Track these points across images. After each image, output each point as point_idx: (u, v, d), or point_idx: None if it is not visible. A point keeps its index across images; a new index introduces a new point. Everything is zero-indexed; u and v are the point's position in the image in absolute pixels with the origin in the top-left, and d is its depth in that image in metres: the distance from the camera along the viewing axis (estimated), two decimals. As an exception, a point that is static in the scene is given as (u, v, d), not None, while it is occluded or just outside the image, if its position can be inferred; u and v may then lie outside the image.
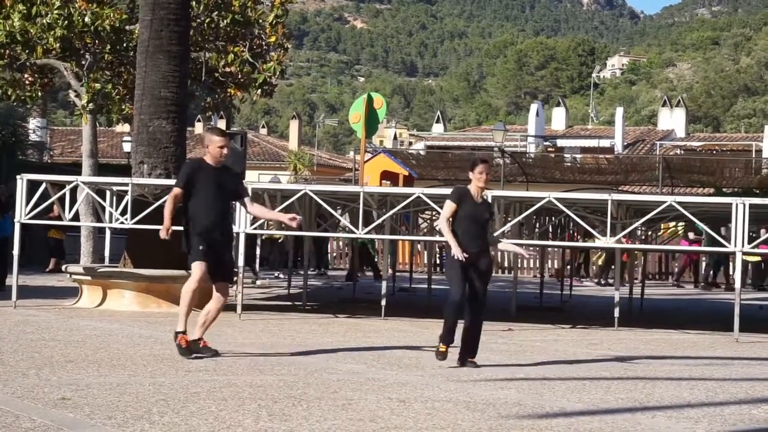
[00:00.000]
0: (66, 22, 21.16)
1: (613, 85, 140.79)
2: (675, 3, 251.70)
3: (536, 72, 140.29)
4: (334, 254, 33.68)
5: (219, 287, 10.35)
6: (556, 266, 30.91)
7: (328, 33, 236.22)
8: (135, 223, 15.22)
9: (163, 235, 10.31)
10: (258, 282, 23.62)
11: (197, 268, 10.17)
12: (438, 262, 33.61)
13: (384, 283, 16.20)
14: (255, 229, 15.82)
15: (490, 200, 14.36)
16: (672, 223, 23.12)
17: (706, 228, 16.77)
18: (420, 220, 21.43)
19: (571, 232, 22.06)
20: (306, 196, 15.50)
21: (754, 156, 47.20)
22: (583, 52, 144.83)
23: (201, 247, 10.18)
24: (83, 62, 22.03)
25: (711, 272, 30.16)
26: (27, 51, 21.67)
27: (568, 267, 24.95)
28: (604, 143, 56.05)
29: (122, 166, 36.46)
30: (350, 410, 7.41)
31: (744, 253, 14.56)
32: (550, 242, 20.17)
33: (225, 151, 10.23)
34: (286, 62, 23.49)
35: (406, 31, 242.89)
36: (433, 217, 20.93)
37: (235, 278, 15.37)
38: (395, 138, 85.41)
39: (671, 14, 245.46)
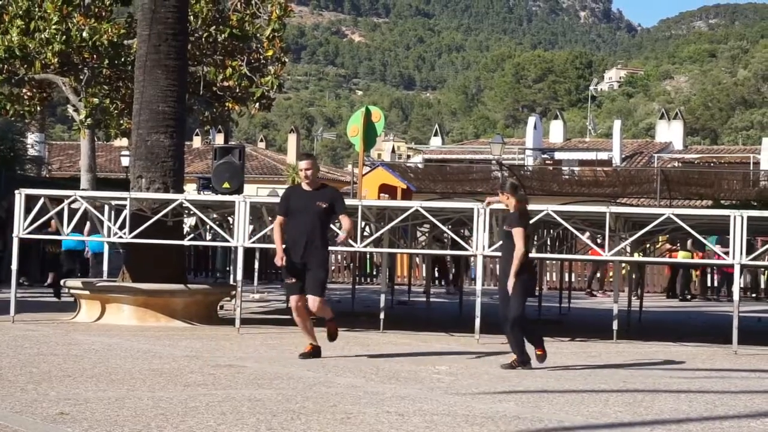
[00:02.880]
0: (64, 37, 21.20)
1: (610, 97, 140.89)
2: (672, 16, 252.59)
3: (534, 85, 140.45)
4: (333, 267, 33.63)
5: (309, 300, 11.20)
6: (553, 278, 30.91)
7: (326, 47, 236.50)
8: (133, 238, 15.22)
9: (278, 262, 11.22)
10: (257, 296, 23.60)
11: (291, 301, 11.35)
12: (436, 275, 33.61)
13: (382, 297, 16.19)
14: (254, 242, 15.80)
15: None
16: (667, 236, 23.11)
17: (704, 241, 16.75)
18: (418, 233, 21.43)
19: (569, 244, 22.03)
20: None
21: (752, 168, 47.25)
22: (580, 65, 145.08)
23: (289, 280, 11.23)
24: (81, 77, 22.07)
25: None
26: (25, 66, 21.71)
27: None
28: (602, 156, 56.10)
29: (120, 180, 36.45)
30: (349, 424, 7.41)
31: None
32: (548, 255, 20.16)
33: (304, 173, 11.07)
34: (284, 76, 23.51)
35: (404, 45, 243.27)
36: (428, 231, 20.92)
37: (233, 291, 15.41)
38: (393, 151, 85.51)
39: (668, 27, 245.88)
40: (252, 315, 18.14)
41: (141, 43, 16.69)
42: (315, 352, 11.47)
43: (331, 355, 12.04)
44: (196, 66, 22.44)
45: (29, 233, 15.51)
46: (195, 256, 29.69)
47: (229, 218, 17.62)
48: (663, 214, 14.75)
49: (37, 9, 21.61)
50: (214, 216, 16.94)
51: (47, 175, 38.96)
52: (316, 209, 11.00)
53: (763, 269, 29.25)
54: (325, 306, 11.27)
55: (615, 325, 15.33)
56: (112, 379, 9.31)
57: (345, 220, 11.29)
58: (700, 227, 16.87)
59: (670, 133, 61.48)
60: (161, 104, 16.32)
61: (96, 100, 21.60)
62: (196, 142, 67.00)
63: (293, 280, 11.14)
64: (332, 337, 11.69)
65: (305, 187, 11.17)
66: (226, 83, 22.47)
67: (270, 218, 15.95)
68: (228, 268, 24.96)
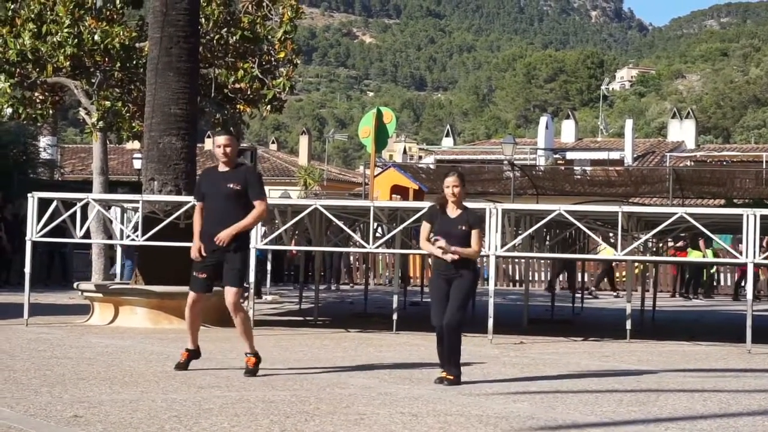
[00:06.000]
0: (76, 40, 21.23)
1: (622, 97, 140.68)
2: (683, 15, 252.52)
3: (545, 85, 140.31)
4: (345, 269, 33.63)
5: (225, 292, 10.06)
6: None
7: (337, 48, 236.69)
8: (146, 240, 15.25)
9: (193, 254, 10.10)
10: (269, 297, 23.63)
11: (189, 296, 10.21)
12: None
13: (395, 298, 16.20)
14: (266, 244, 15.82)
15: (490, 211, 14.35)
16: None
17: (717, 239, 16.73)
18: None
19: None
20: (316, 211, 15.52)
21: (764, 167, 47.12)
22: (592, 65, 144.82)
23: (197, 274, 10.08)
24: (93, 80, 22.09)
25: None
26: (37, 69, 21.74)
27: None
28: (614, 155, 56.04)
29: (133, 182, 36.51)
30: (362, 425, 7.41)
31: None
32: (560, 255, 20.14)
33: (221, 150, 9.91)
34: (296, 78, 23.50)
35: (415, 46, 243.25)
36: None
37: (246, 294, 15.41)
38: (405, 152, 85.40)
39: (680, 26, 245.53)
40: (265, 316, 18.16)
41: (152, 45, 16.72)
42: (191, 358, 10.26)
43: (345, 357, 12.06)
44: (208, 68, 22.47)
45: (42, 236, 15.55)
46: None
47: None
48: (676, 214, 14.73)
49: (49, 12, 21.66)
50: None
51: (60, 179, 39.04)
52: (228, 192, 9.83)
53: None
54: (239, 304, 10.06)
55: (628, 325, 15.32)
56: (125, 382, 9.32)
57: (257, 205, 9.90)
58: (713, 226, 16.85)
59: (682, 132, 61.42)
60: (173, 106, 16.34)
61: (108, 103, 21.63)
62: (208, 144, 67.09)
63: (200, 275, 10.07)
64: (251, 372, 9.96)
65: (221, 167, 9.99)
66: (237, 85, 22.47)
67: (282, 220, 15.96)
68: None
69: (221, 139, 9.96)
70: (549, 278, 27.86)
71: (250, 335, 10.15)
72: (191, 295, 10.16)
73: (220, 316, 15.96)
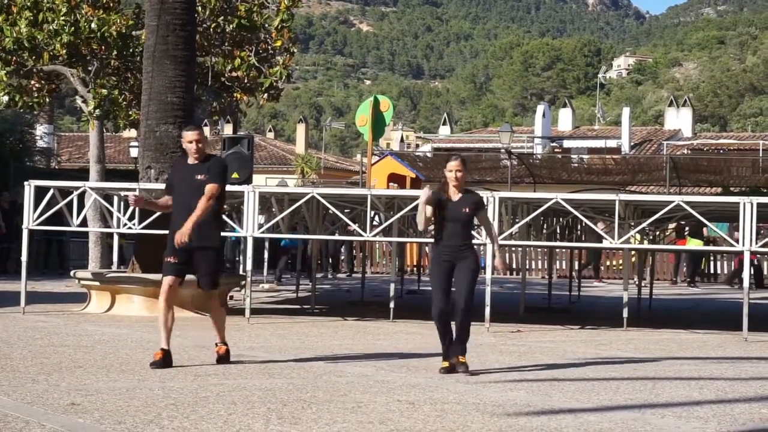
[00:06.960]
0: (72, 28, 21.20)
1: (619, 85, 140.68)
2: (680, 3, 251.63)
3: (542, 73, 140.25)
4: (343, 257, 33.65)
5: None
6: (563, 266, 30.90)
7: (334, 36, 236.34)
8: (143, 228, 15.24)
9: (130, 197, 10.01)
10: (266, 286, 23.63)
11: (163, 282, 9.85)
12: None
13: (392, 286, 16.21)
14: (263, 233, 15.81)
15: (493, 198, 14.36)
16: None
17: (714, 228, 16.75)
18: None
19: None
20: (313, 199, 15.51)
21: (761, 155, 47.15)
22: (589, 53, 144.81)
23: (168, 258, 9.78)
24: (90, 68, 22.06)
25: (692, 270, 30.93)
26: (34, 57, 21.71)
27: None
28: (611, 144, 56.08)
29: (129, 171, 36.47)
30: (359, 413, 7.42)
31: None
32: (557, 243, 20.15)
33: (193, 146, 9.79)
34: (293, 66, 23.45)
35: (412, 34, 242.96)
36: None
37: (242, 282, 15.43)
38: (402, 140, 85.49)
39: (677, 14, 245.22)
40: (262, 305, 18.17)
41: (149, 33, 16.69)
42: (166, 359, 9.58)
43: (342, 345, 12.07)
44: (205, 56, 22.44)
45: (39, 225, 15.54)
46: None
47: (242, 208, 17.64)
48: (672, 202, 14.74)
49: (45, 0, 21.64)
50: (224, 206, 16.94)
51: (56, 167, 39.02)
52: (196, 184, 9.70)
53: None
54: (217, 301, 10.12)
55: (625, 313, 15.33)
56: (122, 370, 9.33)
57: (207, 189, 9.69)
58: (709, 214, 16.85)
59: (679, 120, 61.42)
60: (170, 95, 16.32)
61: (104, 91, 21.61)
62: (205, 132, 66.91)
63: (171, 259, 9.73)
64: (224, 358, 9.96)
65: (190, 160, 9.87)
66: (234, 73, 22.44)
67: (279, 208, 15.96)
68: (237, 258, 24.97)
69: (191, 134, 9.82)
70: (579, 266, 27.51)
71: (222, 328, 10.04)
72: (165, 280, 9.77)
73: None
